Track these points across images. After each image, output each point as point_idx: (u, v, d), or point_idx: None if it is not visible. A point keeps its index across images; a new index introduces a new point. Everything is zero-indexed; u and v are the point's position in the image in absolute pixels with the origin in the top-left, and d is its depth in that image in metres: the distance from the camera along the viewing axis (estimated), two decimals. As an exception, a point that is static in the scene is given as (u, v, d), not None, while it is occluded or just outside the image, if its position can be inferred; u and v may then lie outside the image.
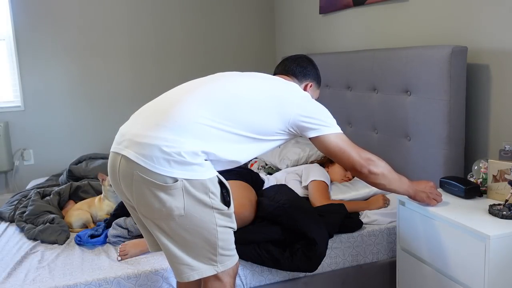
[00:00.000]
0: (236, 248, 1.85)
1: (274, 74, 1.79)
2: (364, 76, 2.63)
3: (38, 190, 2.58)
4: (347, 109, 2.85)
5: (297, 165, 2.72)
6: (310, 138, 1.54)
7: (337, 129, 1.55)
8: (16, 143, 3.81)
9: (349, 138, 1.58)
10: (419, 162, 2.25)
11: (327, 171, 2.46)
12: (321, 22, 3.46)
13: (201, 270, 1.42)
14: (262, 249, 1.85)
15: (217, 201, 1.41)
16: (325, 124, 1.53)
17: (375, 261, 2.07)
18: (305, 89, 1.76)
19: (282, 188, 2.19)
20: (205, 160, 1.40)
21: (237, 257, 1.50)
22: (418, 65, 2.19)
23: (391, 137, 2.46)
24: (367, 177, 1.55)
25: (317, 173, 2.35)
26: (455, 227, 1.56)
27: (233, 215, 1.48)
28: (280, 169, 2.79)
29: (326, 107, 1.62)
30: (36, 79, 3.79)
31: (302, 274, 1.96)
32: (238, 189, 2.16)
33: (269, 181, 2.45)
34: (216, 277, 1.45)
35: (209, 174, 1.40)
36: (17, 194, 2.72)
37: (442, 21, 2.27)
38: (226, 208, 1.44)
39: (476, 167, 1.88)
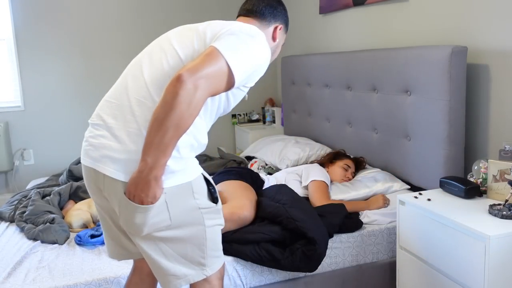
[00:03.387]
0: (236, 248, 1.86)
1: (237, 17, 1.59)
2: (364, 76, 2.62)
3: (38, 190, 2.58)
4: (347, 109, 2.85)
5: (297, 165, 2.72)
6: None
7: (238, 73, 1.26)
8: (16, 143, 3.81)
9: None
10: (419, 162, 2.25)
11: (327, 171, 2.46)
12: (321, 22, 3.46)
13: (188, 276, 1.36)
14: (262, 249, 1.85)
15: (203, 201, 1.35)
16: (237, 57, 1.26)
17: (375, 261, 2.07)
18: (274, 32, 1.57)
19: (282, 188, 2.19)
20: (188, 157, 1.31)
21: (223, 257, 1.45)
22: (418, 65, 2.18)
23: (391, 137, 2.46)
24: (179, 84, 1.13)
25: (317, 173, 2.35)
26: (455, 227, 1.56)
27: (221, 211, 1.42)
28: (280, 169, 2.79)
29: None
30: (36, 79, 3.79)
31: (302, 274, 1.96)
32: (238, 189, 2.16)
33: (269, 181, 2.45)
34: (205, 280, 1.41)
35: (194, 174, 1.33)
36: (17, 194, 2.72)
37: (442, 21, 2.27)
38: (214, 205, 1.38)
39: (476, 167, 1.88)
